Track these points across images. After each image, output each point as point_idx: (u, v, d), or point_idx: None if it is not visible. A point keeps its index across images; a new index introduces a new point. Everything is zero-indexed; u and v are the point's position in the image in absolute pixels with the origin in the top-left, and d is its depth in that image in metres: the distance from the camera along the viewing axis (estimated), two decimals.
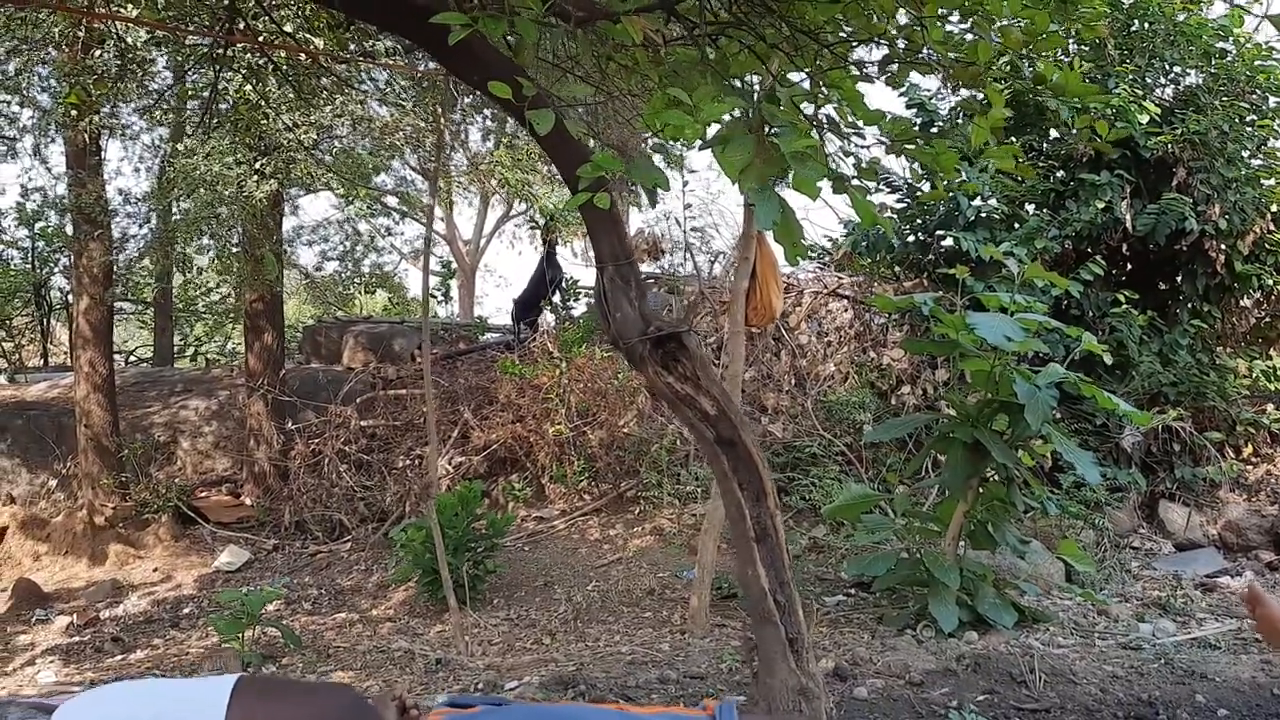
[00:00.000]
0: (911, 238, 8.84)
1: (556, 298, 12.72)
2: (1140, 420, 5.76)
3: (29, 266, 17.73)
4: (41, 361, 19.75)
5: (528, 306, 13.47)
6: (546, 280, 12.87)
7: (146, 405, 12.82)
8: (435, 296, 18.75)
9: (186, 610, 8.13)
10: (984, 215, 8.07)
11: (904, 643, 5.70)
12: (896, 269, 9.25)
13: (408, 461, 10.11)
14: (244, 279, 10.79)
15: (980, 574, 5.99)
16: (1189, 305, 8.68)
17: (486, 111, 10.01)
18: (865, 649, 5.64)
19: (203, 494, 11.07)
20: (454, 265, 19.61)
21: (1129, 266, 8.98)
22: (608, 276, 4.25)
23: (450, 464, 9.67)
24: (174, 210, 10.53)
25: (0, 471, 11.39)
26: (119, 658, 6.97)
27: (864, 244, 8.85)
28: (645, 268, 11.99)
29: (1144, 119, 7.85)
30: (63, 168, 11.38)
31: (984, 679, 5.17)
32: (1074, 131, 7.91)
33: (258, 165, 8.32)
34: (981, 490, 5.88)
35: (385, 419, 11.03)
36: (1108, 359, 6.06)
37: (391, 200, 18.19)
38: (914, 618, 6.06)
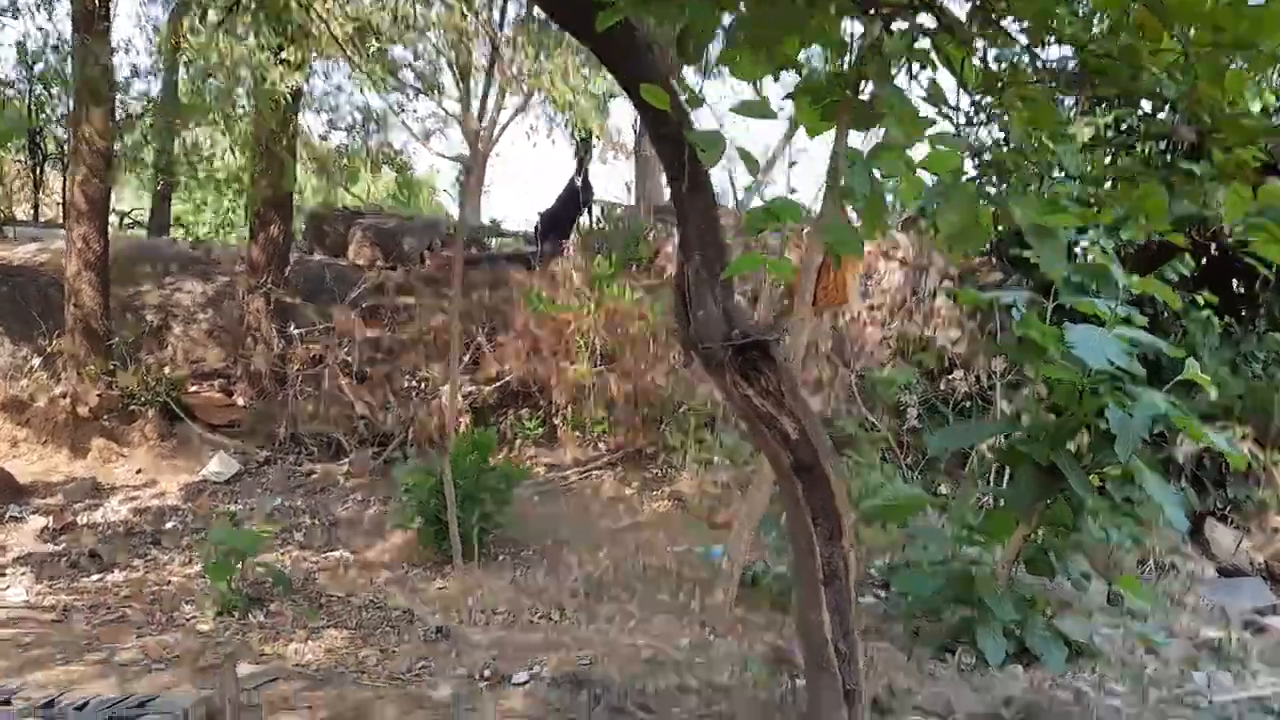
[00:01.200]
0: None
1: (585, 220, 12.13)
2: (1236, 462, 5.25)
3: (26, 111, 16.76)
4: (32, 214, 19.01)
5: (554, 223, 12.81)
6: (578, 201, 12.21)
7: (138, 283, 12.19)
8: (446, 192, 18.08)
9: (170, 524, 7.67)
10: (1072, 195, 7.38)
11: (945, 671, 5.27)
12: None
13: (414, 383, 9.56)
14: (257, 174, 10.11)
15: (1031, 601, 5.54)
16: (1271, 315, 8.09)
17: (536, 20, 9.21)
18: (903, 674, 5.21)
19: (193, 388, 10.51)
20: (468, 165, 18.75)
21: (1203, 261, 8.35)
22: (693, 267, 3.66)
23: (460, 392, 9.12)
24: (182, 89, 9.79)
25: None
26: (95, 577, 6.51)
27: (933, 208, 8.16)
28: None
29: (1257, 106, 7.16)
30: (69, 31, 10.52)
31: None
32: (1178, 113, 7.20)
33: (283, 55, 7.57)
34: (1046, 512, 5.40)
35: (391, 329, 10.42)
36: (1212, 393, 5.52)
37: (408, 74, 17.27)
38: (953, 638, 5.63)
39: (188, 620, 5.77)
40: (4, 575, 6.46)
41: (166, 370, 10.44)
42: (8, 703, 2.79)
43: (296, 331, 10.15)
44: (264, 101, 9.12)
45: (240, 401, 10.34)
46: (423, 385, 9.57)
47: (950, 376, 7.65)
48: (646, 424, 8.49)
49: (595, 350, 8.77)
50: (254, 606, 5.93)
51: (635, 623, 5.91)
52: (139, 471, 8.71)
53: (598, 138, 12.45)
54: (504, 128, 9.82)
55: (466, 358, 9.64)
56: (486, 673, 5.05)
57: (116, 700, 2.64)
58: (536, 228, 13.21)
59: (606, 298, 8.72)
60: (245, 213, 10.48)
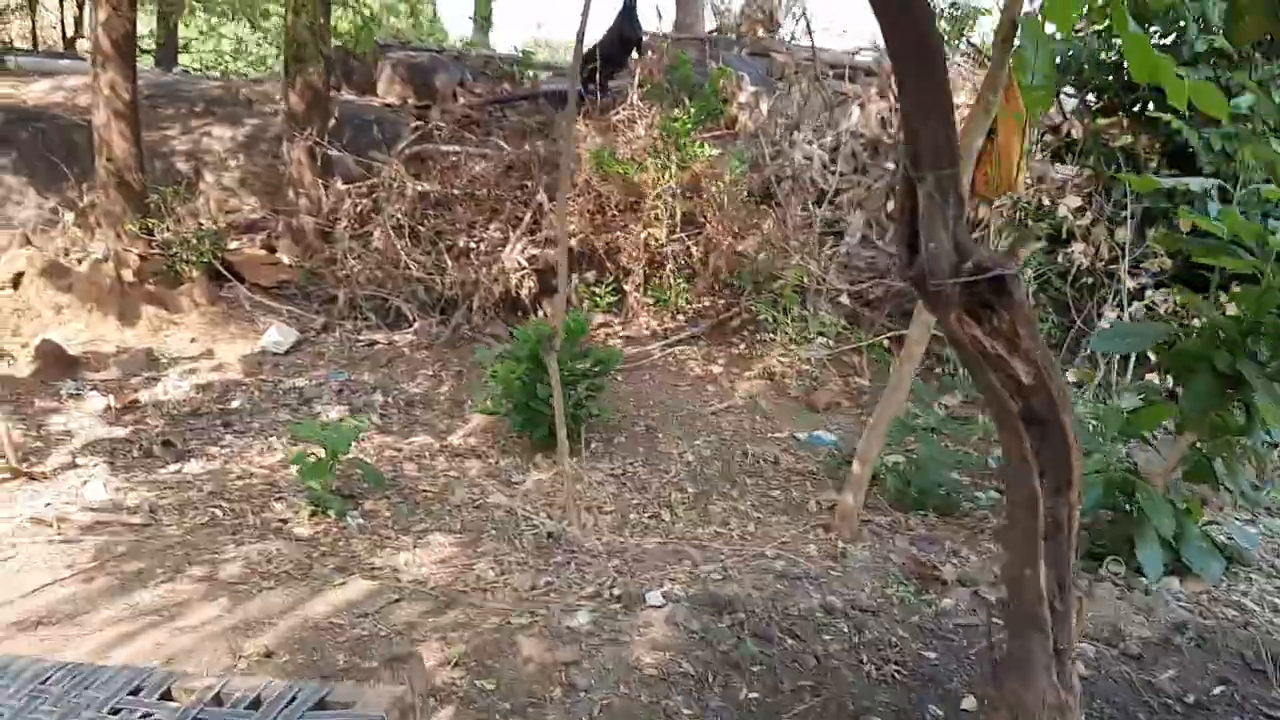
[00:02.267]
0: (1109, 57, 7.41)
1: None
2: None
3: None
4: (30, 42, 17.97)
5: (601, 63, 11.86)
6: (624, 39, 11.27)
7: (163, 127, 11.46)
8: (472, 20, 16.99)
9: (236, 403, 7.27)
10: (1216, 48, 6.68)
11: (1102, 590, 4.96)
12: (1087, 99, 7.87)
13: (470, 242, 8.98)
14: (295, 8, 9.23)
15: (1188, 511, 5.20)
16: None
17: None
18: None
19: (233, 244, 9.95)
20: None
21: None
22: (925, 191, 3.09)
23: (523, 256, 8.58)
24: None
25: (5, 190, 10.19)
26: (173, 468, 6.15)
27: (1064, 63, 7.45)
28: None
29: None
30: None
31: (1212, 660, 4.48)
32: None
33: None
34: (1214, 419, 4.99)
35: (441, 182, 9.75)
36: None
37: None
38: (1103, 548, 5.32)
39: (282, 523, 5.43)
40: (78, 467, 6.08)
41: (203, 223, 9.86)
42: (168, 695, 2.40)
43: (343, 186, 9.50)
44: None
45: (285, 259, 9.81)
46: (480, 245, 8.99)
47: (1068, 250, 7.10)
48: (730, 295, 7.99)
49: (674, 213, 8.17)
50: (349, 505, 5.59)
51: (754, 526, 5.59)
52: (193, 341, 8.27)
53: None
54: None
55: (527, 216, 9.05)
56: (616, 591, 4.75)
57: (290, 697, 2.27)
58: (582, 70, 12.28)
59: (688, 153, 8.04)
60: (284, 53, 9.60)
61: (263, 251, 9.93)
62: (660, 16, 14.46)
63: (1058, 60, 7.41)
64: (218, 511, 5.53)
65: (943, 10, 15.17)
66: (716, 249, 7.82)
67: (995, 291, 3.14)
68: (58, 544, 5.04)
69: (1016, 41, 4.72)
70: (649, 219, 8.20)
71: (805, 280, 7.42)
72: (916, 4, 2.90)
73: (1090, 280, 7.21)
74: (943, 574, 4.94)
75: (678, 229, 8.18)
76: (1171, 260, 7.03)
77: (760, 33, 9.34)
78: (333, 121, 9.68)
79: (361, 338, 8.38)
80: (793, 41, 12.47)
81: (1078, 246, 7.05)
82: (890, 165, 8.24)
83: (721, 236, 7.83)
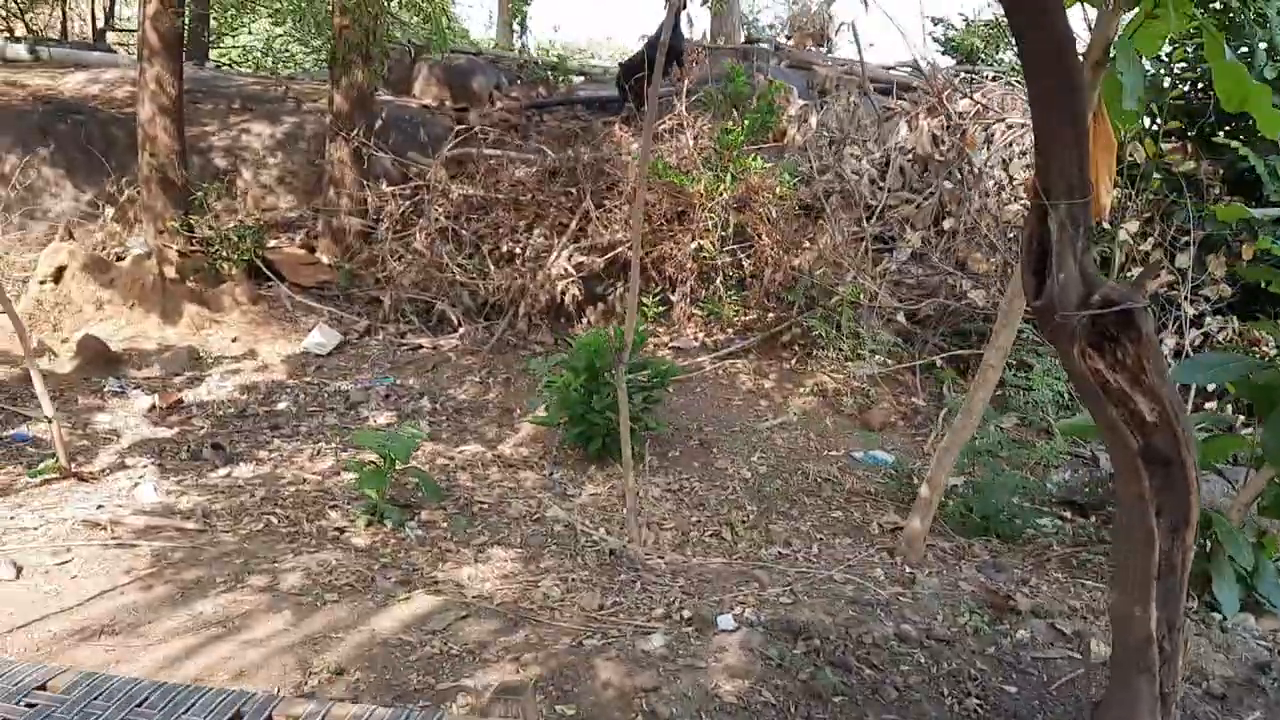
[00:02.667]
0: (1175, 85, 7.34)
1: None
2: None
3: None
4: (59, 33, 17.95)
5: (635, 72, 11.76)
6: (667, 48, 11.10)
7: (202, 123, 11.40)
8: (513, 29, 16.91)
9: (282, 404, 7.20)
10: None
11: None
12: (1155, 124, 7.78)
13: (515, 248, 8.90)
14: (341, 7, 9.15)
15: (1263, 545, 5.10)
16: None
17: None
18: None
19: (271, 243, 9.89)
20: None
21: None
22: (1057, 220, 3.01)
23: (569, 264, 8.50)
24: None
25: (43, 182, 10.15)
26: (223, 473, 6.08)
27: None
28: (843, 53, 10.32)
29: None
30: None
31: None
32: None
33: None
34: None
35: (484, 186, 9.66)
36: None
37: None
38: None
39: (339, 532, 5.35)
40: (128, 468, 6.02)
41: (242, 220, 9.80)
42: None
43: (387, 188, 9.43)
44: None
45: (324, 259, 9.74)
46: (525, 251, 8.91)
47: (1126, 274, 7.01)
48: (781, 309, 7.90)
49: (727, 225, 8.08)
50: (406, 516, 5.51)
51: (817, 548, 5.50)
52: (234, 340, 8.20)
53: None
54: None
55: (573, 223, 8.97)
56: (686, 614, 4.66)
57: None
58: (618, 79, 12.19)
59: (738, 167, 7.96)
60: (331, 53, 9.53)
61: (302, 251, 9.86)
62: (691, 24, 14.33)
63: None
64: (272, 519, 5.46)
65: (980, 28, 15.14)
66: (770, 262, 7.73)
67: (1121, 325, 3.07)
68: (113, 549, 4.97)
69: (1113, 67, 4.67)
70: (699, 230, 8.11)
71: (861, 297, 7.33)
72: (1053, 11, 2.82)
73: (1149, 307, 7.11)
74: (1017, 604, 4.84)
75: (730, 241, 8.10)
76: (1230, 288, 6.94)
77: (810, 45, 9.24)
78: (379, 123, 9.60)
79: (405, 341, 8.31)
80: (830, 54, 12.39)
81: (1137, 272, 6.96)
82: (947, 184, 8.14)
83: (775, 250, 7.74)
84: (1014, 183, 8.32)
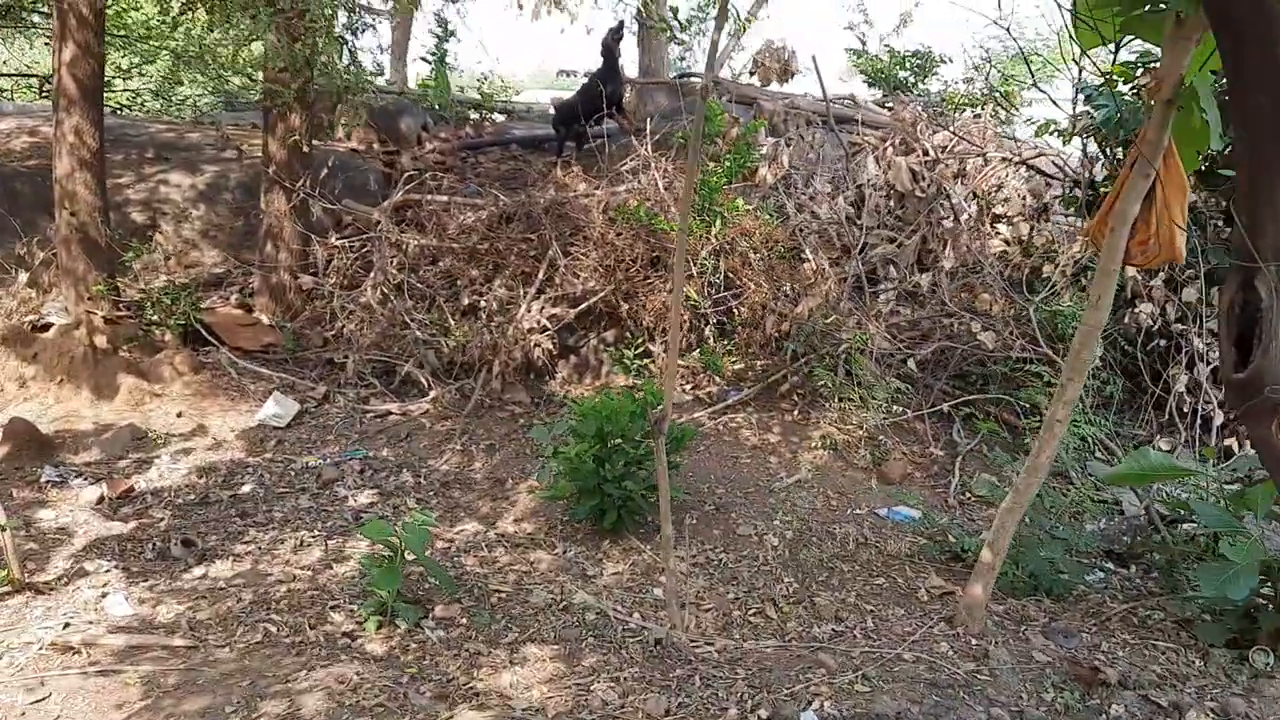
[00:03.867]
0: None
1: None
2: None
3: None
4: None
5: (572, 116, 11.36)
6: (602, 94, 10.76)
7: (115, 174, 10.52)
8: (427, 61, 16.36)
9: (247, 488, 6.51)
10: None
11: (1273, 688, 4.62)
12: (1120, 154, 7.69)
13: (480, 301, 8.35)
14: (273, 48, 8.50)
15: None
16: None
17: None
18: (1228, 692, 4.55)
19: (206, 303, 9.13)
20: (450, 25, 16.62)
21: None
22: (1267, 284, 2.69)
23: (543, 316, 8.00)
24: None
25: None
26: (199, 572, 5.40)
27: (1115, 119, 7.26)
28: (778, 88, 10.07)
29: None
30: None
31: None
32: None
33: None
34: None
35: (436, 236, 9.09)
36: None
37: None
38: (1232, 633, 4.99)
39: (349, 638, 4.75)
40: (88, 574, 5.29)
41: (170, 280, 9.04)
42: None
43: (335, 240, 8.80)
44: None
45: (264, 318, 9.03)
46: (489, 303, 8.37)
47: (1135, 310, 6.88)
48: (777, 357, 7.55)
49: (715, 270, 7.71)
50: (419, 613, 4.93)
51: (871, 621, 5.11)
52: (180, 415, 7.45)
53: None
54: None
55: (539, 273, 8.49)
56: (763, 714, 4.21)
57: None
58: (554, 121, 11.75)
59: (727, 210, 7.60)
60: (270, 99, 8.87)
61: (239, 311, 9.12)
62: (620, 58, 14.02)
63: (1112, 117, 7.23)
64: (270, 627, 4.82)
65: (903, 59, 15.20)
66: (765, 309, 7.37)
67: None
68: (94, 677, 4.30)
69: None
70: (675, 273, 7.69)
71: (867, 343, 7.02)
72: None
73: (1163, 342, 7.01)
74: (1106, 676, 4.53)
75: (719, 288, 7.72)
76: None
77: (774, 80, 8.97)
78: (325, 171, 8.96)
79: (370, 408, 7.67)
80: (770, 89, 12.19)
81: (1144, 307, 6.83)
82: (946, 223, 7.93)
83: (770, 296, 7.39)
84: (993, 220, 8.17)
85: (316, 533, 5.90)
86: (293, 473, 6.76)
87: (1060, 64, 11.52)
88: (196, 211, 10.47)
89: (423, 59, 16.56)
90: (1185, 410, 6.88)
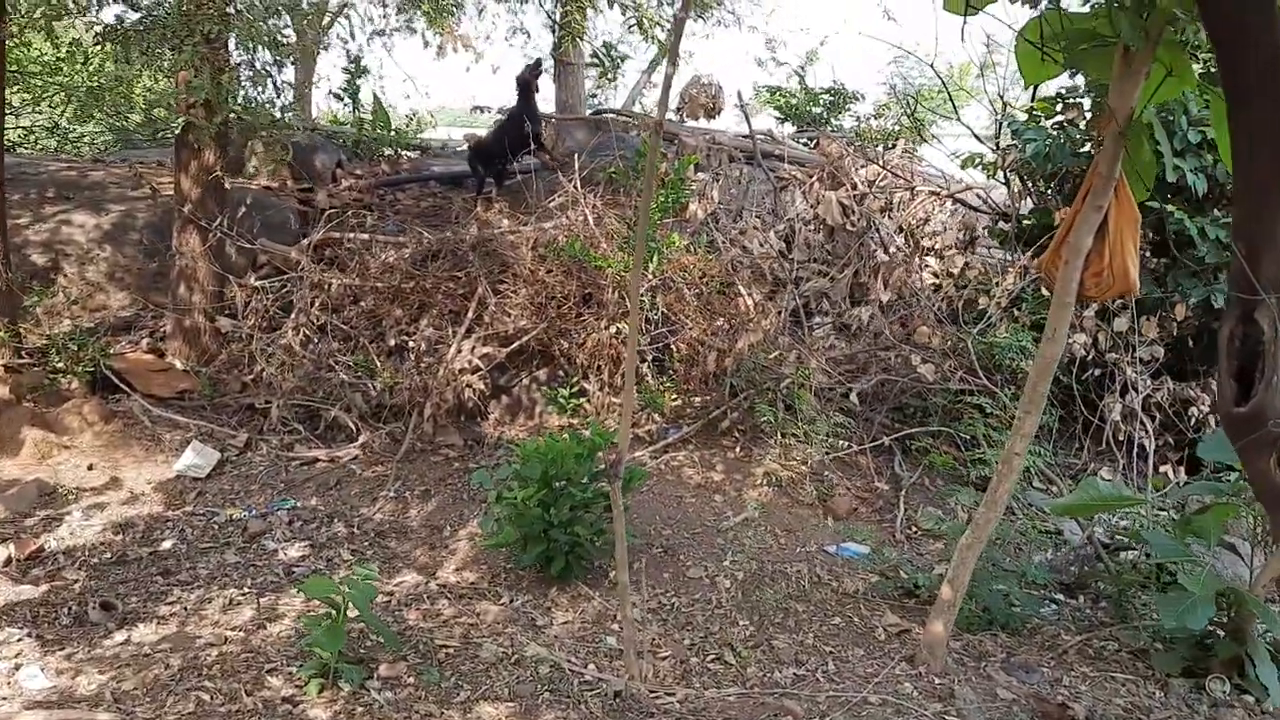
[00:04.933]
0: (1090, 148, 7.42)
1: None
2: None
3: None
4: None
5: (490, 154, 11.21)
6: (523, 133, 10.65)
7: (13, 215, 9.99)
8: (338, 97, 16.08)
9: (168, 544, 6.15)
10: (1208, 140, 6.73)
11: (1234, 716, 4.63)
12: (1044, 187, 7.85)
13: (409, 341, 8.10)
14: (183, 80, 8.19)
15: None
16: None
17: None
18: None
19: (115, 348, 8.68)
20: (362, 62, 16.30)
21: None
22: (1269, 316, 2.67)
23: (474, 356, 7.79)
24: None
25: None
26: (120, 638, 5.03)
27: (1044, 153, 7.38)
28: (696, 124, 10.05)
29: None
30: None
31: None
32: None
33: None
34: None
35: (359, 275, 8.82)
36: None
37: None
38: (1187, 662, 5.02)
39: (290, 704, 4.46)
40: None
41: (76, 324, 8.60)
42: None
43: (255, 280, 8.47)
44: None
45: (177, 363, 8.63)
46: (418, 344, 8.13)
47: (1070, 341, 6.98)
48: (717, 393, 7.45)
49: (653, 307, 7.60)
50: (363, 673, 4.67)
51: (833, 664, 5.01)
52: (91, 468, 7.03)
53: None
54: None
55: (469, 311, 8.28)
56: None
57: None
58: (470, 160, 11.57)
59: (662, 246, 7.51)
60: (181, 135, 8.54)
61: (150, 356, 8.70)
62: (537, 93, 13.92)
63: (1041, 151, 7.37)
64: (203, 695, 4.50)
65: (819, 96, 15.43)
66: (702, 345, 7.28)
67: None
68: None
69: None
70: (615, 313, 7.59)
71: (808, 378, 6.98)
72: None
73: (1097, 371, 7.12)
74: (1075, 713, 4.49)
75: (657, 324, 7.62)
76: (1166, 351, 7.02)
77: (702, 116, 8.97)
78: (243, 210, 8.63)
79: (295, 455, 7.35)
80: (692, 125, 12.23)
81: (1077, 337, 6.93)
82: (883, 255, 7.96)
83: (707, 332, 7.31)
84: (922, 252, 8.25)
85: (246, 590, 5.57)
86: (216, 526, 6.41)
87: (973, 97, 11.82)
88: (102, 253, 10.00)
89: (334, 94, 16.32)
90: (1120, 439, 6.99)
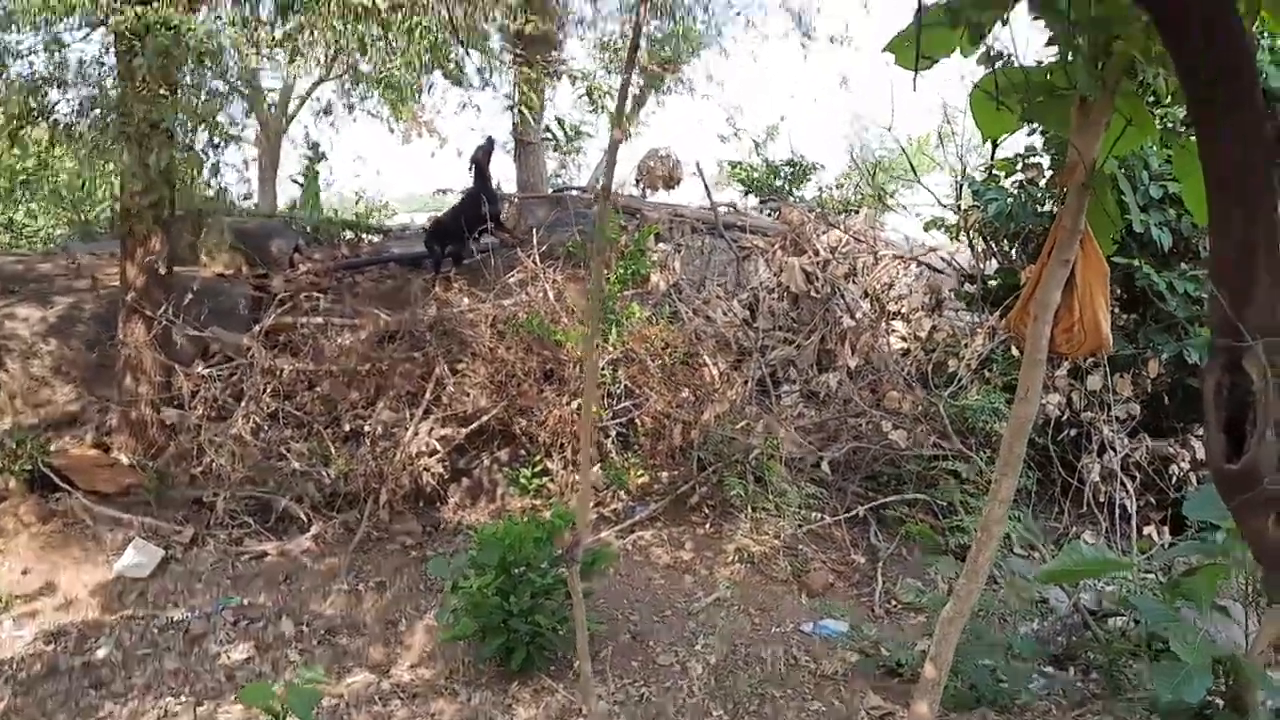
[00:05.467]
0: (1051, 206, 7.32)
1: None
2: None
3: None
4: None
5: (447, 234, 11.06)
6: (480, 212, 10.52)
7: None
8: (297, 183, 16.00)
9: (102, 652, 5.76)
10: (1171, 194, 6.65)
11: None
12: (1008, 246, 7.74)
13: (365, 427, 7.82)
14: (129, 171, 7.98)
15: None
16: None
17: None
18: None
19: (56, 445, 8.33)
20: (320, 148, 16.24)
21: None
22: (1257, 365, 2.45)
23: (431, 438, 7.50)
24: None
25: None
26: None
27: (1006, 212, 7.29)
28: (657, 197, 9.96)
29: None
30: None
31: None
32: None
33: None
34: None
35: (313, 359, 8.54)
36: None
37: None
38: None
39: None
40: None
41: (17, 422, 8.26)
42: None
43: (202, 369, 8.17)
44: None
45: (124, 458, 8.28)
46: (374, 428, 7.84)
47: (1044, 401, 6.80)
48: (681, 469, 7.20)
49: (614, 381, 7.37)
50: None
51: None
52: (25, 572, 6.63)
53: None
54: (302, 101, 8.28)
55: (426, 392, 8.02)
56: None
57: None
58: (426, 241, 11.40)
59: (622, 317, 7.31)
60: (127, 223, 8.33)
61: (95, 451, 8.35)
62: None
63: (1004, 210, 7.28)
64: None
65: (780, 168, 15.46)
66: (668, 418, 7.04)
67: None
68: None
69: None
70: (577, 390, 7.35)
71: (777, 448, 6.74)
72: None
73: (1073, 431, 6.92)
74: None
75: (620, 398, 7.37)
76: (1141, 408, 6.85)
77: (660, 188, 8.86)
78: (189, 297, 8.37)
79: (244, 549, 7.00)
80: (654, 199, 12.16)
81: (1051, 398, 6.75)
82: (850, 320, 7.80)
83: (672, 404, 7.08)
84: (889, 316, 8.10)
85: (184, 699, 5.21)
86: (155, 630, 6.03)
87: (935, 162, 11.83)
88: (47, 346, 9.67)
89: (293, 180, 16.24)
90: (1101, 500, 6.77)
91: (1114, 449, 6.75)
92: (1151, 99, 4.65)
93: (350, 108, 15.32)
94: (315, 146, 15.69)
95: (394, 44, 8.04)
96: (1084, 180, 4.15)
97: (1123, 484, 6.67)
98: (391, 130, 14.83)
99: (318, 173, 15.36)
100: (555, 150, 13.42)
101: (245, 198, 16.62)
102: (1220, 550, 5.05)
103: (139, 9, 6.61)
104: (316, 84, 20.58)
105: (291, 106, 20.75)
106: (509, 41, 12.44)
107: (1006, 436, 4.49)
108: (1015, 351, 7.32)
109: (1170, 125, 5.92)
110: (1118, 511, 6.69)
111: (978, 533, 4.49)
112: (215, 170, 9.26)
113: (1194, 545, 5.38)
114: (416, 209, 22.64)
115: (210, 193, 10.14)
